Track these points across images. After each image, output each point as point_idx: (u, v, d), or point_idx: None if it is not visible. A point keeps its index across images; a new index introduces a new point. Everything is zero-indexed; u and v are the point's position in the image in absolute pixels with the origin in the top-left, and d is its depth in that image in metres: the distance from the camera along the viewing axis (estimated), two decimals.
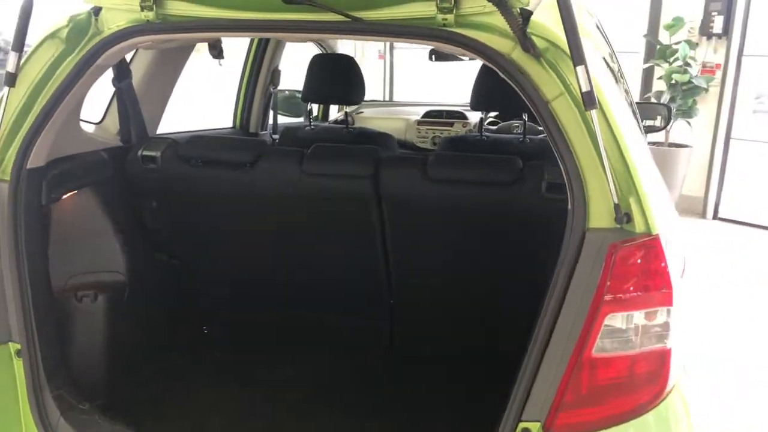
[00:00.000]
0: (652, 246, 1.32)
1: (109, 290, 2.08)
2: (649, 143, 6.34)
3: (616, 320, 1.30)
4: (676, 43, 6.11)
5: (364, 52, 8.99)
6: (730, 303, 4.47)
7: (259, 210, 2.19)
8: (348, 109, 3.30)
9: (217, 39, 2.00)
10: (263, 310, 2.43)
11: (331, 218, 2.15)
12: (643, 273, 1.31)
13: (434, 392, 2.23)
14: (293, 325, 2.44)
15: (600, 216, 1.37)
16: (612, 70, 2.00)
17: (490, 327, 2.20)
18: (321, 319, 2.41)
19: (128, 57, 2.28)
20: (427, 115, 4.20)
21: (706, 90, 6.15)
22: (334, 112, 4.62)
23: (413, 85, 9.43)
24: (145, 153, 2.19)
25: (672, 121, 6.21)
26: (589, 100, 1.30)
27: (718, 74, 6.25)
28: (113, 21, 1.70)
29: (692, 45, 6.13)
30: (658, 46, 6.27)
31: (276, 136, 3.37)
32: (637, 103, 3.49)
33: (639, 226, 1.33)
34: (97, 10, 1.72)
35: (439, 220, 2.06)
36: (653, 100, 6.32)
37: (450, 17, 1.48)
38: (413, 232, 2.12)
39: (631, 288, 1.30)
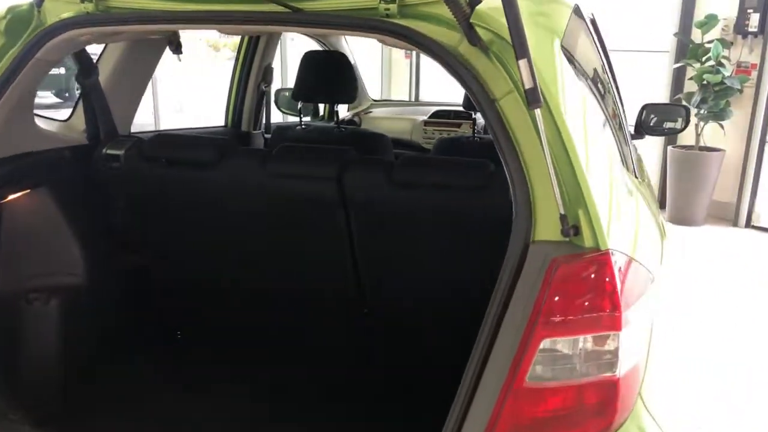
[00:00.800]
0: (600, 263, 1.17)
1: (64, 293, 2.01)
2: (679, 147, 6.14)
3: (555, 345, 1.16)
4: (709, 42, 5.83)
5: (392, 51, 8.87)
6: (760, 314, 4.25)
7: (224, 211, 2.10)
8: (342, 109, 3.20)
9: (172, 33, 1.92)
10: (233, 316, 2.34)
11: (297, 221, 2.04)
12: (589, 293, 1.17)
13: (404, 406, 2.10)
14: (265, 332, 2.34)
15: (547, 227, 1.23)
16: (590, 72, 1.85)
17: (466, 339, 2.06)
18: (294, 327, 2.30)
19: (96, 54, 2.23)
20: (435, 115, 4.07)
21: (740, 91, 5.85)
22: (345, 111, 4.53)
23: (440, 86, 9.28)
24: (109, 152, 2.12)
25: (703, 124, 5.96)
26: (532, 98, 1.16)
27: (754, 75, 5.95)
28: (56, 13, 1.64)
29: (726, 44, 5.84)
30: (690, 45, 6.00)
31: (269, 136, 3.29)
32: (658, 104, 3.31)
33: (587, 240, 1.19)
34: (39, 2, 1.65)
35: (406, 226, 1.94)
36: (683, 101, 6.05)
37: (393, 7, 1.37)
38: (381, 238, 2.00)
39: (574, 310, 1.16)
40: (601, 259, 1.17)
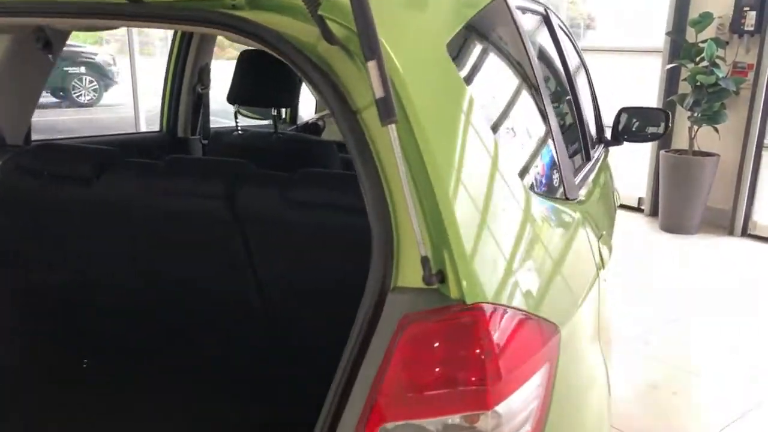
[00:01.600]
0: (465, 321, 0.91)
1: None
2: (672, 151, 5.83)
3: (402, 431, 0.90)
4: (703, 42, 5.54)
5: None
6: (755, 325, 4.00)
7: (110, 232, 1.86)
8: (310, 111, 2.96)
9: (36, 28, 1.69)
10: (138, 344, 2.09)
11: (189, 245, 1.80)
12: (448, 361, 0.91)
13: None
14: (172, 357, 2.09)
15: (412, 271, 0.97)
16: (521, 76, 1.59)
17: None
18: (199, 352, 2.05)
19: None
20: None
21: (736, 93, 5.55)
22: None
23: None
24: None
25: (696, 127, 5.67)
26: (384, 111, 0.90)
27: (751, 76, 5.64)
28: None
29: (721, 43, 5.53)
30: (684, 45, 5.70)
31: (206, 141, 3.05)
32: (635, 108, 3.05)
33: (453, 290, 0.93)
34: None
35: (307, 253, 1.68)
36: (677, 103, 5.76)
37: None
38: (282, 264, 1.75)
39: (427, 383, 0.90)
40: (468, 315, 0.91)
